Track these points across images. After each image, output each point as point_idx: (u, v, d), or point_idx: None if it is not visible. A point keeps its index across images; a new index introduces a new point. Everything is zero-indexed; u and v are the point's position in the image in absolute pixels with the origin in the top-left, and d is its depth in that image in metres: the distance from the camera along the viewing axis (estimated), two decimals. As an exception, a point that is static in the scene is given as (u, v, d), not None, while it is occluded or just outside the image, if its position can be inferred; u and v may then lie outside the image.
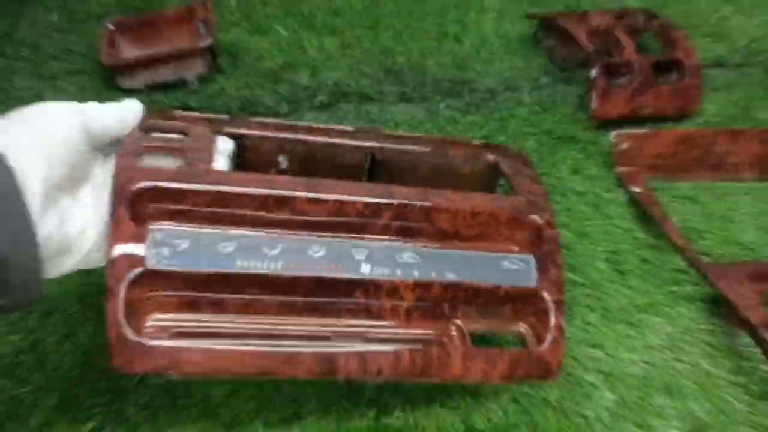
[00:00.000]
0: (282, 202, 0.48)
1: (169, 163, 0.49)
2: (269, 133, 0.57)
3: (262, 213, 0.48)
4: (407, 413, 0.58)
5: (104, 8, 0.96)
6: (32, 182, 0.44)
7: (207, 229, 0.47)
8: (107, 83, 0.87)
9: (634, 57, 0.81)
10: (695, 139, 0.76)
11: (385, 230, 0.52)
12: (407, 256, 0.51)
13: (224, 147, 0.54)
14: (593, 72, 0.80)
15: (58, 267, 0.47)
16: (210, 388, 0.59)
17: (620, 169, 0.76)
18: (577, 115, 0.83)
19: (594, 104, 0.80)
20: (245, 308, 0.49)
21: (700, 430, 0.57)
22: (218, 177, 0.48)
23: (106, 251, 0.45)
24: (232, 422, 0.58)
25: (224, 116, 0.56)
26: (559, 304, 0.53)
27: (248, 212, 0.48)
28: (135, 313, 0.45)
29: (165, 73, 0.87)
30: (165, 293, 0.47)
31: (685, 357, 0.62)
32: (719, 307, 0.65)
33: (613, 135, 0.76)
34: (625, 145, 0.76)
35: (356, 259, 0.50)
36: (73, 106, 0.51)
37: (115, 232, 0.45)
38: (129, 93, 0.86)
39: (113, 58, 0.87)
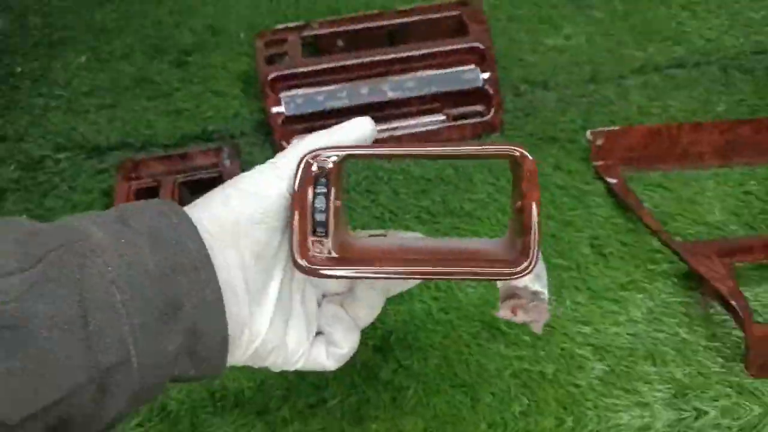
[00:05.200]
0: (342, 68, 0.79)
1: None
2: (333, 29, 0.86)
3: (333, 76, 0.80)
4: (419, 394, 0.58)
5: (127, 48, 0.97)
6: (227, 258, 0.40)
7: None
8: (135, 114, 0.88)
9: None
10: (662, 132, 0.76)
11: (396, 71, 0.80)
12: (410, 84, 0.80)
13: None
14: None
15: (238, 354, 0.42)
16: (242, 381, 0.60)
17: (597, 163, 0.76)
18: (556, 117, 0.83)
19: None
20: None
21: (681, 391, 0.57)
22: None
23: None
24: (263, 410, 0.58)
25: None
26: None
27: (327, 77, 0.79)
28: None
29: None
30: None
31: (665, 327, 0.62)
32: (692, 280, 0.65)
33: (588, 133, 0.76)
34: (600, 142, 0.76)
35: (383, 89, 0.80)
36: (273, 171, 0.41)
37: None
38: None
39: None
